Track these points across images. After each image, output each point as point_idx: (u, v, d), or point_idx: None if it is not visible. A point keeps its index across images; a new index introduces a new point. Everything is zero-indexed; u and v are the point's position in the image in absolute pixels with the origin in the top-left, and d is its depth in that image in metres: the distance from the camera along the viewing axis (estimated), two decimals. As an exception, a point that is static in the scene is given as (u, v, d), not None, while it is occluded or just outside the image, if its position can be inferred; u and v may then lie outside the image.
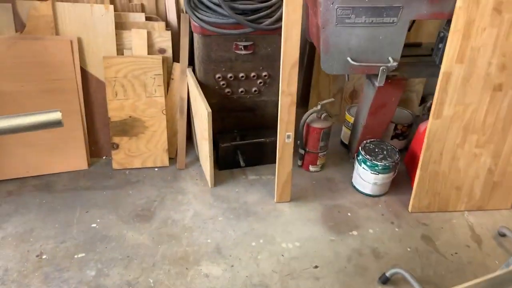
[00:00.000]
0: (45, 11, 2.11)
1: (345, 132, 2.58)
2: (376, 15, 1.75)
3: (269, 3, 2.04)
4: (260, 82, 2.28)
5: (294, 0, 1.71)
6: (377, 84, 1.94)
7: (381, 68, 1.87)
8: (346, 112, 2.53)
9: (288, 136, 2.02)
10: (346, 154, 2.56)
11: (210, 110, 1.97)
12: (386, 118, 2.26)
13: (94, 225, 1.98)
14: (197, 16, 2.02)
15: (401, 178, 2.32)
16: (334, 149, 2.58)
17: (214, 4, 2.00)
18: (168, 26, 2.38)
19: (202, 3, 2.05)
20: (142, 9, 2.33)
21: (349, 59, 1.84)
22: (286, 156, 2.06)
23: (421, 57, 2.08)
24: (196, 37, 2.13)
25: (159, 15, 2.37)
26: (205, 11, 2.05)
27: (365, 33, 1.80)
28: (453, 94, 1.90)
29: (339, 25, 1.76)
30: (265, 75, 2.26)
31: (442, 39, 1.90)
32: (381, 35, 1.80)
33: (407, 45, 2.13)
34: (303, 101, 2.93)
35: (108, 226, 1.97)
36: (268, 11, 2.04)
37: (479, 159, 2.06)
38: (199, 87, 2.14)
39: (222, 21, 2.00)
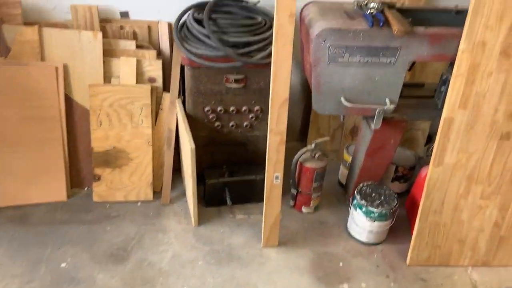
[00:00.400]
0: (31, 36, 2.04)
1: (342, 172, 2.43)
2: (372, 55, 1.62)
3: (262, 36, 1.94)
4: (252, 117, 2.17)
5: (285, 35, 1.60)
6: (373, 126, 1.80)
7: (377, 110, 1.74)
8: (344, 151, 2.39)
9: (277, 177, 1.88)
10: (343, 195, 2.40)
11: (193, 146, 1.86)
12: (385, 161, 2.11)
13: (64, 264, 1.85)
14: (185, 48, 1.92)
15: (401, 224, 2.16)
16: (331, 189, 2.43)
17: (204, 35, 1.90)
18: (160, 54, 2.29)
19: (192, 34, 1.96)
20: (134, 36, 2.25)
21: (342, 99, 1.71)
22: (274, 198, 1.92)
23: (423, 98, 1.94)
24: (185, 68, 2.03)
25: (151, 43, 2.29)
26: (195, 42, 1.95)
27: (360, 73, 1.67)
28: (456, 141, 1.74)
29: (332, 63, 1.64)
30: (257, 110, 2.14)
31: (445, 82, 1.76)
32: (378, 75, 1.67)
33: (408, 85, 2.01)
34: (302, 135, 2.80)
35: (78, 266, 1.84)
36: (261, 44, 1.93)
37: (484, 211, 1.88)
38: (186, 120, 2.03)
39: (212, 54, 1.90)
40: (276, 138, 1.80)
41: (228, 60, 1.92)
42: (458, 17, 1.84)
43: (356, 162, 2.16)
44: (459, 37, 1.57)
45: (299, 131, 2.82)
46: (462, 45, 1.57)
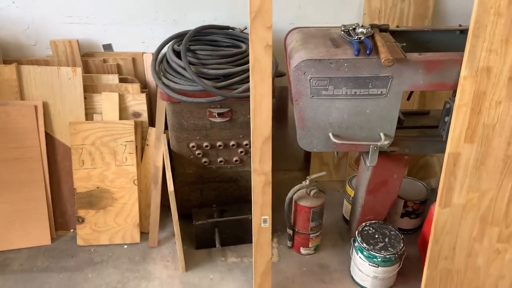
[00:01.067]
0: (9, 75, 1.97)
1: (346, 207, 2.22)
2: (360, 86, 1.44)
3: (244, 67, 1.79)
4: (241, 151, 2.00)
5: (262, 69, 1.44)
6: (368, 163, 1.60)
7: (371, 146, 1.54)
8: (347, 184, 2.18)
9: (265, 221, 1.71)
10: (348, 232, 2.19)
11: (172, 189, 1.71)
12: (389, 197, 1.89)
13: (37, 319, 1.73)
14: (163, 82, 1.80)
15: (412, 265, 1.93)
16: (334, 225, 2.23)
17: (182, 68, 1.77)
18: (146, 87, 2.18)
19: (171, 67, 1.83)
20: (118, 69, 2.15)
21: (330, 135, 1.53)
22: (263, 243, 1.74)
23: (427, 129, 1.73)
24: (165, 103, 1.90)
25: (137, 75, 2.19)
26: (174, 76, 1.82)
27: (348, 106, 1.48)
28: (464, 179, 1.52)
29: (315, 97, 1.47)
30: (246, 144, 1.98)
31: (449, 112, 1.55)
32: (368, 108, 1.48)
33: (412, 114, 1.81)
34: (306, 163, 2.62)
35: (52, 321, 1.72)
36: (243, 75, 1.78)
37: (503, 256, 1.64)
38: (168, 158, 1.89)
39: (191, 88, 1.76)
40: (260, 179, 1.63)
41: (209, 94, 1.77)
42: (462, 37, 1.63)
43: (358, 199, 1.96)
44: (459, 63, 1.37)
45: (303, 159, 2.64)
46: (463, 72, 1.37)
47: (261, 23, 1.39)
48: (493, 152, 1.47)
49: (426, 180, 2.32)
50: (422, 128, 1.73)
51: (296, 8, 2.10)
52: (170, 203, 1.73)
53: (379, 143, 1.52)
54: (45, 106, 2.01)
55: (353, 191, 2.09)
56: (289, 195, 1.94)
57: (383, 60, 1.33)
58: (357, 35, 1.48)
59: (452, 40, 1.66)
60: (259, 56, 1.43)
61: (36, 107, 1.98)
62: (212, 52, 1.80)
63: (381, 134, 1.53)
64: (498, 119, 1.42)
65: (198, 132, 1.93)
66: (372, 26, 1.56)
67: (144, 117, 2.10)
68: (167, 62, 1.87)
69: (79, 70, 1.99)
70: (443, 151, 1.53)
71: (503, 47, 1.32)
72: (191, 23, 2.07)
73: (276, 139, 2.40)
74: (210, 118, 1.88)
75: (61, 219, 2.14)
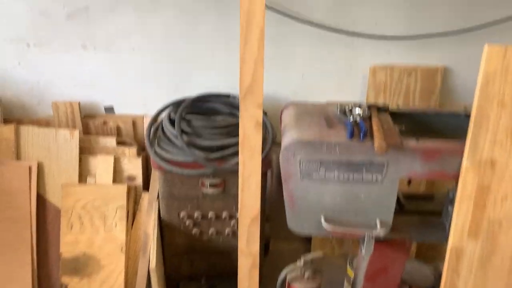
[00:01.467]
0: (7, 135, 1.97)
1: (346, 288, 2.06)
2: (353, 171, 1.35)
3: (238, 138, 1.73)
4: (234, 224, 1.91)
5: (251, 147, 1.40)
6: (363, 252, 1.48)
7: (366, 234, 1.43)
8: (348, 264, 2.03)
9: (251, 306, 1.58)
10: (348, 316, 2.02)
11: (154, 266, 1.62)
12: (389, 286, 1.74)
13: None
14: (155, 151, 1.75)
15: None
16: (334, 306, 2.06)
17: (176, 137, 1.73)
18: (144, 150, 2.15)
19: (166, 136, 1.80)
20: (118, 131, 2.14)
21: (322, 221, 1.43)
22: (249, 331, 1.61)
23: (429, 215, 1.60)
24: (156, 172, 1.85)
25: (137, 137, 2.16)
26: (167, 145, 1.78)
27: (342, 190, 1.39)
28: (469, 276, 1.39)
29: (306, 179, 1.38)
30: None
31: (452, 201, 1.44)
32: (363, 193, 1.39)
33: (414, 198, 1.70)
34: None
35: None
36: (237, 147, 1.71)
37: None
38: (156, 227, 1.81)
39: (182, 159, 1.71)
40: (247, 261, 1.54)
41: (202, 165, 1.72)
42: (468, 121, 1.55)
43: (357, 284, 1.81)
44: (461, 153, 1.28)
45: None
46: (465, 163, 1.28)
47: (251, 101, 1.35)
48: (500, 250, 1.34)
49: (434, 264, 2.15)
50: (425, 214, 1.61)
51: (300, 78, 2.07)
52: (151, 279, 1.63)
53: (374, 232, 1.41)
54: (40, 166, 1.99)
55: (353, 273, 1.94)
56: (281, 275, 1.81)
57: (376, 148, 1.25)
58: (353, 116, 1.42)
59: (458, 123, 1.57)
60: (249, 133, 1.39)
61: (30, 168, 1.96)
62: (206, 122, 1.77)
63: (377, 222, 1.42)
64: (504, 214, 1.30)
65: (189, 201, 1.85)
66: (371, 106, 1.50)
67: (139, 181, 2.05)
68: (162, 130, 1.84)
69: (76, 133, 1.98)
70: (447, 240, 1.41)
71: (508, 139, 1.23)
72: (193, 88, 2.06)
73: (279, 204, 2.32)
74: (202, 189, 1.81)
75: (46, 283, 2.05)
